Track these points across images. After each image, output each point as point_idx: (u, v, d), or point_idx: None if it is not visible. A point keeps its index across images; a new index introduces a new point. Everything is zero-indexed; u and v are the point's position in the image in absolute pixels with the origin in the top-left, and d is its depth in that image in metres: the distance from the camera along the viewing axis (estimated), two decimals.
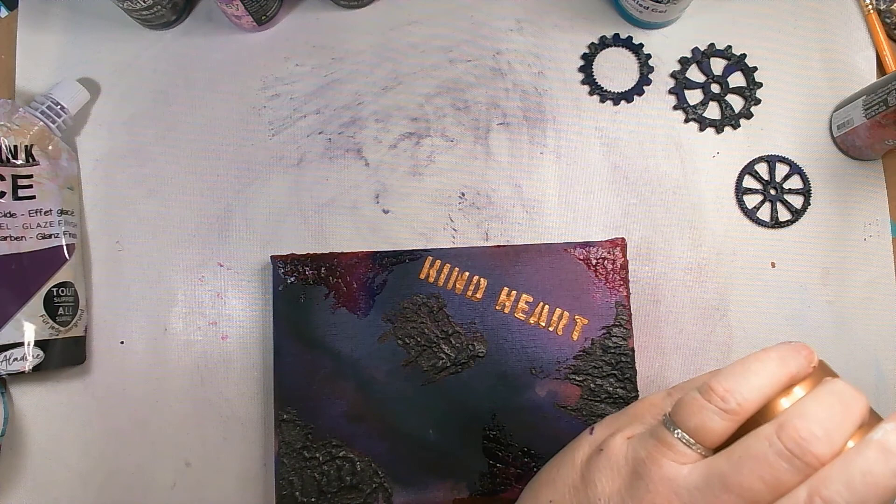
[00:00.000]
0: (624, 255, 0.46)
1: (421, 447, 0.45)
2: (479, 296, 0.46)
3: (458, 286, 0.46)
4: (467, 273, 0.46)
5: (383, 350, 0.46)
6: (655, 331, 0.48)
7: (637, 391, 0.45)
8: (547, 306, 0.46)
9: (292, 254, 0.47)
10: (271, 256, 0.47)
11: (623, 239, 0.47)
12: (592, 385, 0.45)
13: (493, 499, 0.44)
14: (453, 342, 0.46)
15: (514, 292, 0.46)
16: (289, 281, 0.46)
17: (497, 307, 0.46)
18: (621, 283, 0.46)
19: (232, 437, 0.48)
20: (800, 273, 0.49)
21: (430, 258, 0.46)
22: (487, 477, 0.44)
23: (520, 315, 0.46)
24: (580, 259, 0.46)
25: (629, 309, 0.46)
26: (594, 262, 0.46)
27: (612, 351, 0.45)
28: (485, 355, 0.46)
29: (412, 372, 0.46)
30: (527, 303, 0.46)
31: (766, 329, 0.49)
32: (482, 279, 0.46)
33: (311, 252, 0.47)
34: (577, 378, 0.45)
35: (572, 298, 0.46)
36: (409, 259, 0.47)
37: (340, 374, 0.46)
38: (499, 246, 0.47)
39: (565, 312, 0.46)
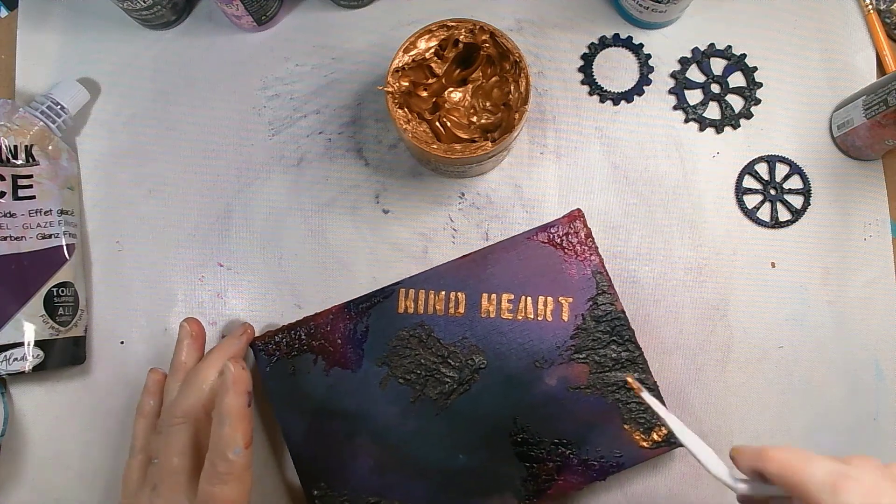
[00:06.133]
0: (585, 226, 0.46)
1: (456, 474, 0.44)
2: (461, 310, 0.46)
3: (438, 308, 0.46)
4: (443, 292, 0.46)
5: (388, 394, 0.45)
6: (655, 331, 0.48)
7: (640, 349, 0.45)
8: (529, 298, 0.46)
9: (267, 332, 0.46)
10: (251, 343, 0.46)
11: (579, 210, 0.47)
12: (597, 357, 0.45)
13: (543, 498, 0.44)
14: (452, 363, 0.45)
15: (493, 295, 0.46)
16: (273, 359, 0.46)
17: (483, 315, 0.46)
18: (591, 252, 0.46)
19: None
20: (800, 273, 0.49)
21: (403, 290, 0.46)
22: (529, 480, 0.44)
23: (506, 315, 0.46)
24: (545, 242, 0.46)
25: (607, 274, 0.46)
26: (558, 240, 0.46)
27: (605, 319, 0.45)
28: (486, 365, 0.45)
29: (423, 406, 0.45)
30: (509, 301, 0.46)
31: (766, 329, 0.49)
32: (459, 293, 0.46)
33: (287, 323, 0.46)
34: (581, 356, 0.45)
35: (550, 282, 0.46)
36: (383, 298, 0.46)
37: (354, 432, 0.45)
38: (464, 256, 0.47)
39: (548, 298, 0.46)
